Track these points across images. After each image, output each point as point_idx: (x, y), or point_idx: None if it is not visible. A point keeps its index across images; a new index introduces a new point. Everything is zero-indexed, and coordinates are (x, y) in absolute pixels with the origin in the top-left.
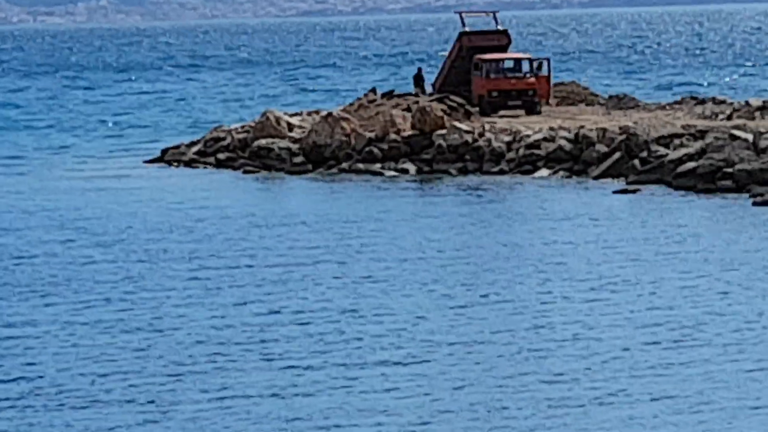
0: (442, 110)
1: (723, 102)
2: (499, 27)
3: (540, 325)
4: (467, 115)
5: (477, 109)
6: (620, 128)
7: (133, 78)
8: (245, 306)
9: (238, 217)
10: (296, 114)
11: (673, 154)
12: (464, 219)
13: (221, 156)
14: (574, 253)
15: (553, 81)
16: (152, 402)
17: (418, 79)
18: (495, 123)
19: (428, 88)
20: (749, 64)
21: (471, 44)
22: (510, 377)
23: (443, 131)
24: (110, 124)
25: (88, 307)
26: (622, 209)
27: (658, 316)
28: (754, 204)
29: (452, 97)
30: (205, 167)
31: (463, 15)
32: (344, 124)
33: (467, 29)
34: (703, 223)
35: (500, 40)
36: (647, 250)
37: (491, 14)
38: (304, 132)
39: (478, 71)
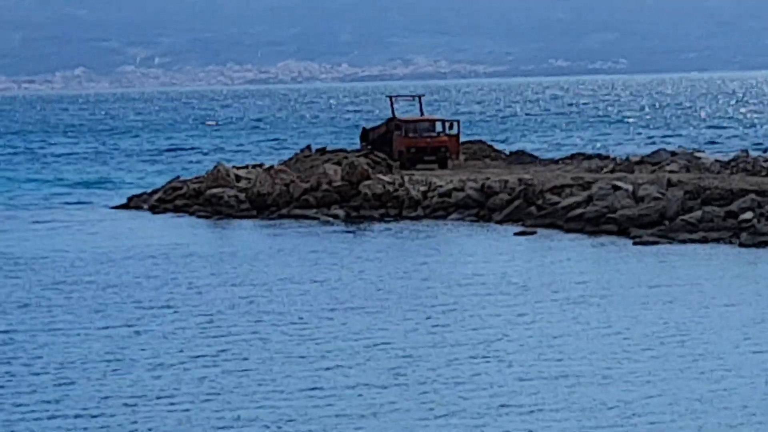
0: (368, 164)
1: (607, 158)
2: (423, 114)
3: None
4: (389, 168)
5: (397, 163)
6: (519, 180)
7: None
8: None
9: (193, 254)
10: (243, 167)
11: (565, 202)
12: (379, 255)
13: (179, 203)
14: (462, 284)
15: (462, 139)
16: None
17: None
18: (413, 175)
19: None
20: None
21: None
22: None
23: (368, 182)
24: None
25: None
26: (519, 248)
27: (494, 335)
28: (635, 244)
29: (376, 152)
30: (165, 212)
31: (393, 99)
32: (283, 175)
33: (396, 115)
34: (587, 259)
35: None
36: (531, 280)
37: (417, 98)
38: (249, 182)
39: (398, 131)
